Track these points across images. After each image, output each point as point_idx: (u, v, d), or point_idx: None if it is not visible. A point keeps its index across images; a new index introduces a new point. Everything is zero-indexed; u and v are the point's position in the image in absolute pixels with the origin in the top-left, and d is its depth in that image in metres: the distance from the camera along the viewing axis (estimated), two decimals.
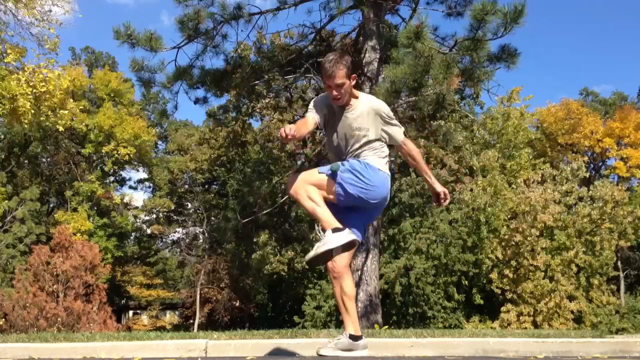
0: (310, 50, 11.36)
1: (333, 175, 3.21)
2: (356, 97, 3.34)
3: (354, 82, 3.30)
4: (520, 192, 16.98)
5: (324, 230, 3.09)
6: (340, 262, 3.26)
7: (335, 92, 3.23)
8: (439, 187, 3.45)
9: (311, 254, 3.08)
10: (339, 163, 3.26)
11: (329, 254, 3.10)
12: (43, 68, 13.98)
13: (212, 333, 5.01)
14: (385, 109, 3.34)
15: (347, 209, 3.29)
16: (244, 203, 24.63)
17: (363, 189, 3.19)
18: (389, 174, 3.37)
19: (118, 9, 59.31)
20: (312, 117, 3.36)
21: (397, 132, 3.38)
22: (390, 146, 3.45)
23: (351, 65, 3.29)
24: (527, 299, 15.69)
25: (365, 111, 3.29)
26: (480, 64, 8.69)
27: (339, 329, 6.59)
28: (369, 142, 3.30)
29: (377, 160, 3.31)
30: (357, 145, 3.30)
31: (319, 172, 3.26)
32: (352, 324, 3.24)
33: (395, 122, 3.38)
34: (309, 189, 3.19)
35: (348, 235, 3.07)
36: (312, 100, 3.50)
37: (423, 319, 17.19)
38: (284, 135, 3.01)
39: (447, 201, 3.48)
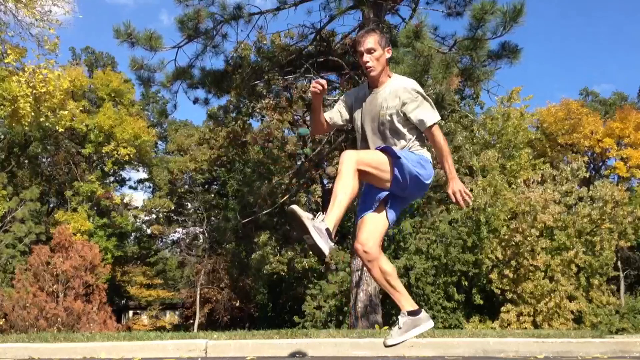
0: (310, 50, 11.36)
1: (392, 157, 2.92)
2: (389, 77, 3.09)
3: (389, 55, 3.07)
4: (520, 192, 16.97)
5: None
6: (373, 243, 3.03)
7: (365, 58, 3.00)
8: (450, 187, 3.06)
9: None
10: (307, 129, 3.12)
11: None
12: (43, 69, 13.97)
13: (212, 333, 5.01)
14: (410, 85, 3.02)
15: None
16: (244, 203, 24.64)
17: (420, 182, 3.01)
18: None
19: (118, 9, 59.33)
20: (328, 115, 3.23)
21: (421, 114, 2.99)
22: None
23: (386, 38, 3.08)
24: (527, 299, 15.68)
25: (394, 90, 3.02)
26: (480, 63, 8.69)
27: (339, 329, 6.58)
28: (399, 124, 3.01)
29: (417, 151, 3.05)
30: (385, 129, 3.03)
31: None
32: (406, 301, 3.10)
33: (422, 103, 3.00)
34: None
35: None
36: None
37: None
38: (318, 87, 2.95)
39: (464, 202, 3.04)
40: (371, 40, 3.00)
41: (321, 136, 23.10)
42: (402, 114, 2.99)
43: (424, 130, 3.01)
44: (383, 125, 3.03)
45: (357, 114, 3.16)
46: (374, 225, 3.06)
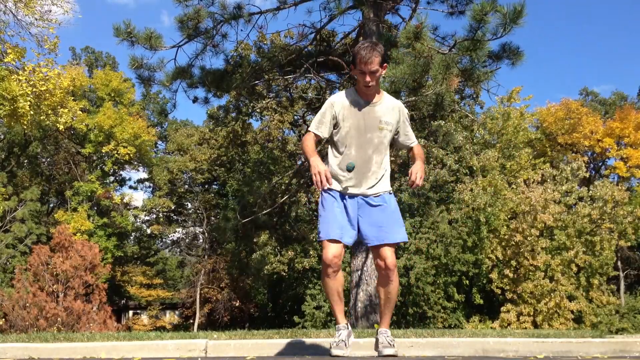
0: (310, 50, 11.36)
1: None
2: (379, 93, 3.38)
3: (384, 72, 3.36)
4: (520, 192, 16.96)
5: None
6: (393, 257, 3.24)
7: (368, 79, 3.24)
8: (413, 167, 3.33)
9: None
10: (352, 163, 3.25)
11: None
12: (43, 67, 13.96)
13: (212, 333, 5.01)
14: (403, 107, 3.46)
15: None
16: (244, 203, 24.62)
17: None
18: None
19: (118, 9, 59.36)
20: (314, 136, 3.37)
21: (412, 134, 3.49)
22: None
23: (385, 55, 3.33)
24: (527, 299, 15.68)
25: (391, 107, 3.37)
26: (481, 63, 8.67)
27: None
28: (389, 139, 3.37)
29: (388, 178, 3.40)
30: (379, 142, 3.31)
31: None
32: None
33: (409, 123, 3.51)
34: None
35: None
36: (324, 105, 3.41)
37: (423, 319, 17.18)
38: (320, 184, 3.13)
39: (414, 183, 3.28)
40: (376, 62, 3.22)
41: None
42: (397, 131, 3.40)
43: (411, 145, 3.46)
44: (379, 139, 3.31)
45: (346, 122, 3.32)
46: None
